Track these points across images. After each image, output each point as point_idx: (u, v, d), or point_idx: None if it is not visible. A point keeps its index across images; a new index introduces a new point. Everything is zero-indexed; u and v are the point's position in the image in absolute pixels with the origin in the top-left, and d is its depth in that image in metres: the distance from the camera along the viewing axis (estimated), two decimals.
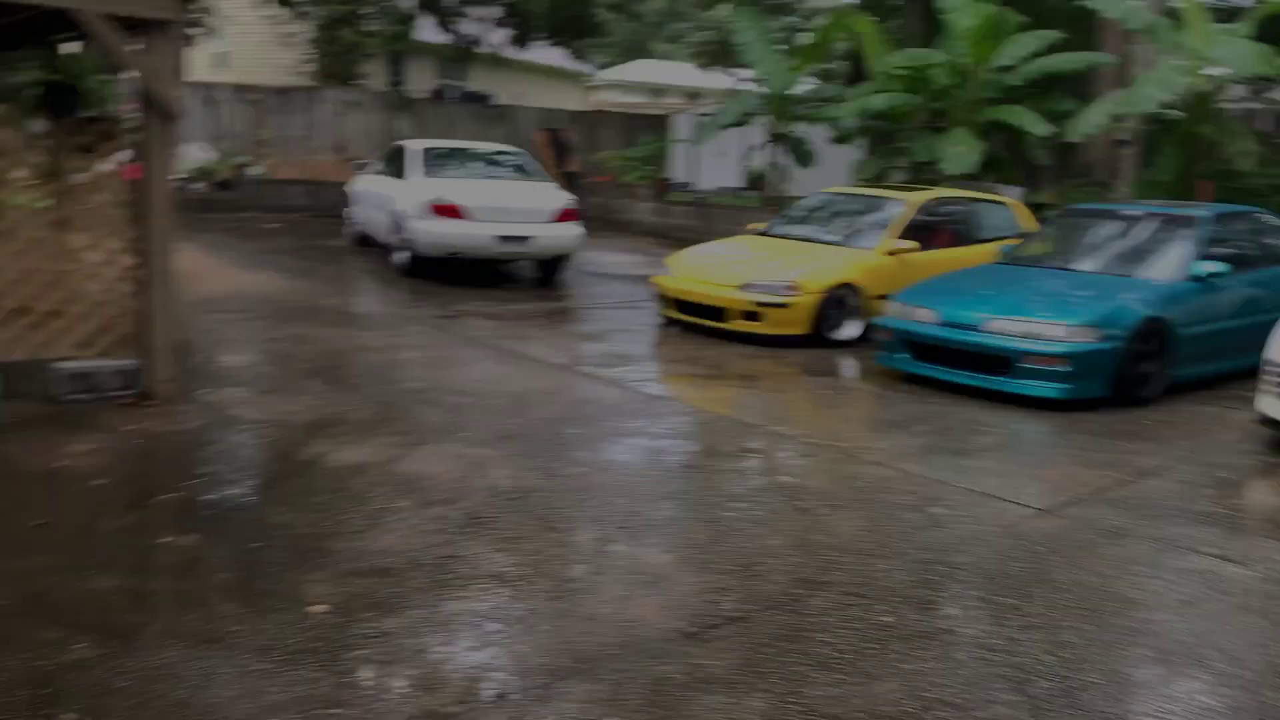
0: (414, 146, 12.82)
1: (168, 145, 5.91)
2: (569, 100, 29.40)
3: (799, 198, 16.40)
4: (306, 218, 17.81)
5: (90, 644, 3.30)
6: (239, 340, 8.02)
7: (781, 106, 15.98)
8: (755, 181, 20.26)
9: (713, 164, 22.46)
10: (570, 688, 3.19)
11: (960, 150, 12.85)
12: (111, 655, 3.24)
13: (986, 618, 3.78)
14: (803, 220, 10.44)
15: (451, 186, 11.72)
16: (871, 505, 4.98)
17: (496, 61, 24.88)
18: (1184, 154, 12.38)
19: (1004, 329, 7.13)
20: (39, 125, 6.02)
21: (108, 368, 6.00)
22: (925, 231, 9.72)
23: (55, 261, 5.94)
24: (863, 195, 10.56)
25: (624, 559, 4.20)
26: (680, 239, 17.21)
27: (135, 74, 5.81)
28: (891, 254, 9.30)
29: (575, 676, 3.25)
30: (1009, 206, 10.65)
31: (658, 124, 24.33)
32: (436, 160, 12.52)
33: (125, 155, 6.14)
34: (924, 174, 13.99)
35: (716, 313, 9.05)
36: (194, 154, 17.58)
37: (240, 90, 20.05)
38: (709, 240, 12.06)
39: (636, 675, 3.28)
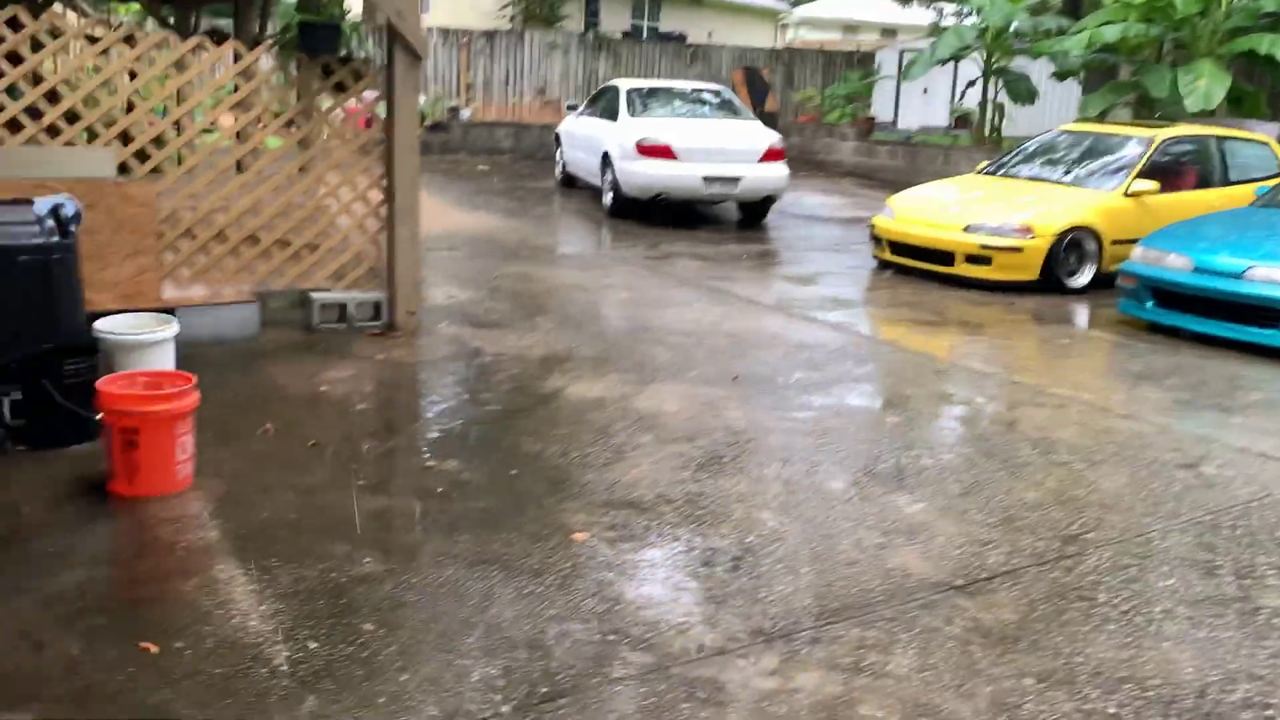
0: (622, 86, 12.84)
1: (413, 85, 6.08)
2: (761, 38, 28.81)
3: (1014, 136, 15.59)
4: (513, 159, 18.26)
5: (375, 560, 3.47)
6: (465, 277, 8.28)
7: (999, 40, 15.14)
8: (962, 120, 19.38)
9: (916, 102, 21.63)
10: (841, 632, 3.13)
11: (1203, 84, 11.83)
12: (396, 572, 3.40)
13: None
14: (1032, 159, 9.87)
15: (659, 126, 11.70)
16: (1133, 461, 4.68)
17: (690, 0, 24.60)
18: None
19: (1272, 277, 6.55)
20: (295, 65, 6.28)
21: (357, 299, 6.30)
22: (1169, 172, 9.03)
23: (311, 197, 6.24)
24: (1099, 133, 9.87)
25: (875, 505, 4.10)
26: (884, 180, 16.71)
27: (381, 15, 5.98)
28: (1132, 195, 8.69)
29: (845, 621, 3.19)
30: (1266, 145, 9.74)
31: (857, 61, 23.56)
32: (643, 100, 12.52)
33: (371, 96, 6.36)
34: (1155, 110, 12.99)
35: (938, 256, 8.72)
36: None
37: (447, 34, 20.60)
38: (915, 182, 11.63)
39: (908, 624, 3.19)
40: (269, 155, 6.32)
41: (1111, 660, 3.02)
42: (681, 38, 23.95)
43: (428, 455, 4.46)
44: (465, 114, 18.62)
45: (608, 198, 12.08)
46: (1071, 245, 8.45)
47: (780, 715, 2.70)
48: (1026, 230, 8.34)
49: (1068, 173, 9.38)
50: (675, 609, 3.23)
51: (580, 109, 14.28)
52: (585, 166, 13.17)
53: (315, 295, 6.22)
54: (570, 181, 14.37)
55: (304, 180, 6.25)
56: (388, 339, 6.19)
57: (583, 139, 13.28)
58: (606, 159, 12.01)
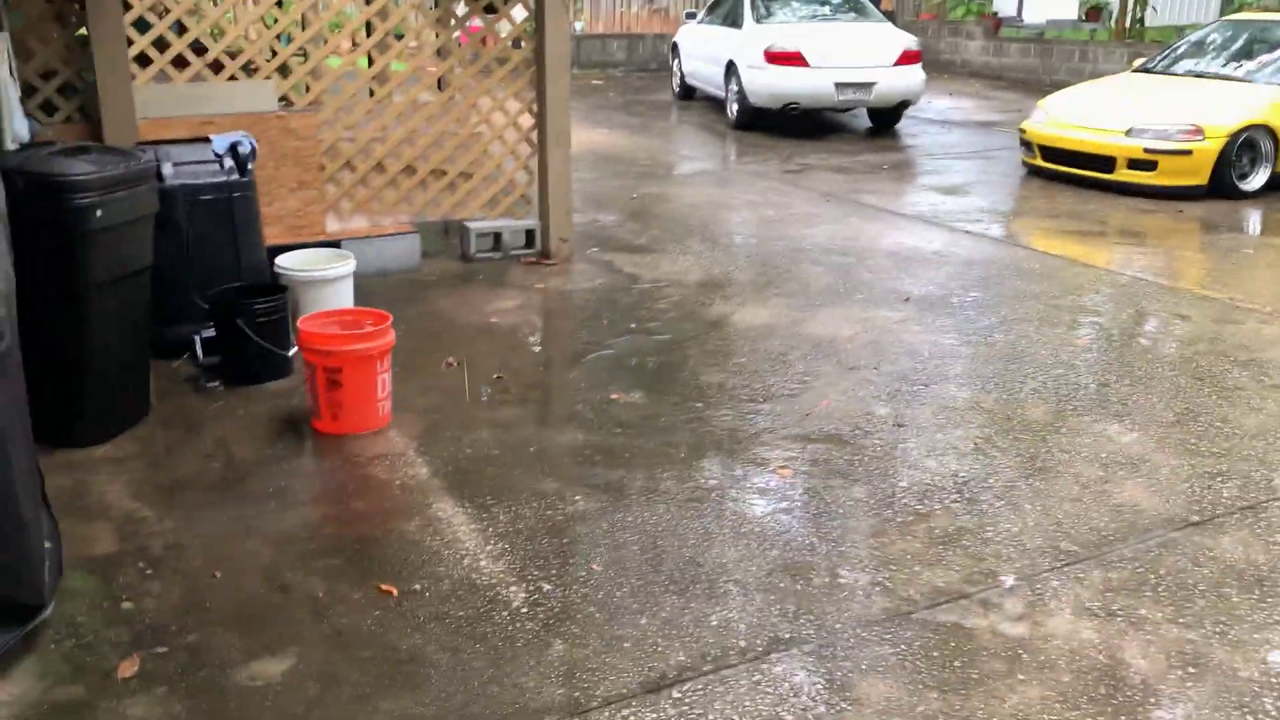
0: None
1: (564, 5, 5.90)
2: None
3: (1157, 27, 14.63)
4: (626, 72, 17.95)
5: (585, 497, 3.45)
6: (603, 199, 8.17)
7: None
8: (1094, 12, 18.27)
9: None
10: (1082, 573, 3.00)
11: None
12: (609, 510, 3.37)
13: None
14: (1193, 54, 9.22)
15: (788, 32, 11.29)
16: None
17: None
18: None
19: None
20: None
21: (511, 227, 6.25)
22: None
23: (463, 125, 6.16)
24: (1269, 22, 9.16)
25: (1086, 435, 3.92)
26: (1015, 80, 15.95)
27: None
28: None
29: (1083, 562, 3.06)
30: None
31: None
32: (767, 5, 12.07)
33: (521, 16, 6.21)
34: None
35: (1096, 162, 8.26)
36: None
37: None
38: (1049, 82, 11.03)
39: (1151, 565, 3.04)
40: (420, 84, 6.24)
41: None
42: None
43: (611, 387, 4.41)
44: (578, 26, 18.29)
45: (732, 109, 11.77)
46: (1245, 146, 7.91)
47: (1039, 665, 2.60)
48: (1196, 132, 7.83)
49: (1236, 67, 8.75)
50: (902, 550, 3.14)
51: (699, 16, 13.87)
52: (706, 77, 12.83)
53: (471, 224, 6.18)
54: (689, 93, 14.05)
55: (456, 108, 6.17)
56: (543, 266, 6.15)
57: (703, 48, 12.92)
58: (731, 68, 11.66)
